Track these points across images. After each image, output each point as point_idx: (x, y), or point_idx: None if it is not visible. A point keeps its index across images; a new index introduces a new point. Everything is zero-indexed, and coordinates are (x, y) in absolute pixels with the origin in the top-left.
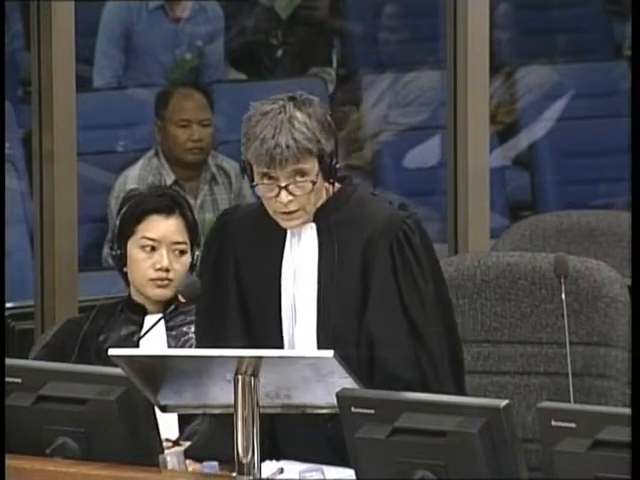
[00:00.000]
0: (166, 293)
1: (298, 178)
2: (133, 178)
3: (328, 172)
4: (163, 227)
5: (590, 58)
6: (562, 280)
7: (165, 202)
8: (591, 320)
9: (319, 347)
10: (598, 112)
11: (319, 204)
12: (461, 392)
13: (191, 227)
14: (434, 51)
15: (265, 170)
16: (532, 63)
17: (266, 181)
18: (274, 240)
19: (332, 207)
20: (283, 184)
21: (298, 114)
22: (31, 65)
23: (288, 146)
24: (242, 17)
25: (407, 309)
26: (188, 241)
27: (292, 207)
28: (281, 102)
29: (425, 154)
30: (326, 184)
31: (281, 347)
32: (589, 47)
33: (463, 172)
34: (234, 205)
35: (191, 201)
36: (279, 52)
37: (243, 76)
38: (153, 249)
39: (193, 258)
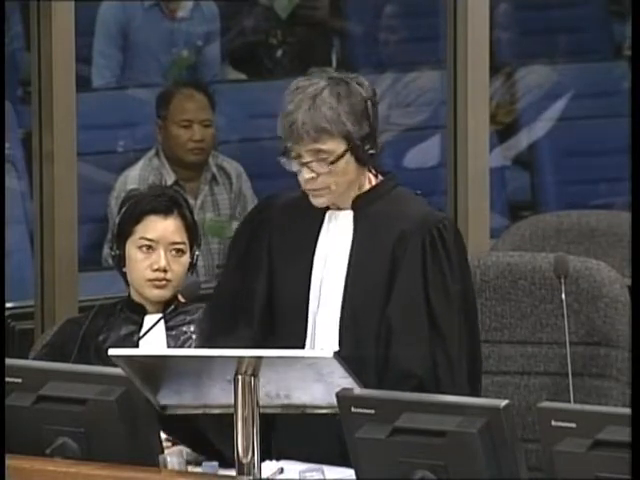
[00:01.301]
0: (164, 294)
1: (320, 157)
2: (133, 178)
3: (359, 157)
4: (161, 227)
5: (590, 58)
6: (562, 280)
7: (163, 202)
8: (591, 320)
9: (340, 333)
10: (598, 112)
11: (360, 192)
12: (475, 394)
13: (190, 227)
14: (434, 51)
15: (289, 145)
16: (532, 63)
17: (293, 155)
18: (311, 224)
19: (372, 197)
20: (304, 161)
21: (325, 93)
22: (31, 65)
23: (304, 123)
24: (242, 17)
25: (430, 304)
26: (187, 241)
27: (314, 185)
28: (317, 79)
29: (425, 154)
30: (370, 175)
31: (304, 328)
32: (589, 47)
33: (463, 172)
34: (277, 192)
35: (191, 201)
36: (279, 52)
37: (243, 76)
38: (151, 249)
39: (193, 258)
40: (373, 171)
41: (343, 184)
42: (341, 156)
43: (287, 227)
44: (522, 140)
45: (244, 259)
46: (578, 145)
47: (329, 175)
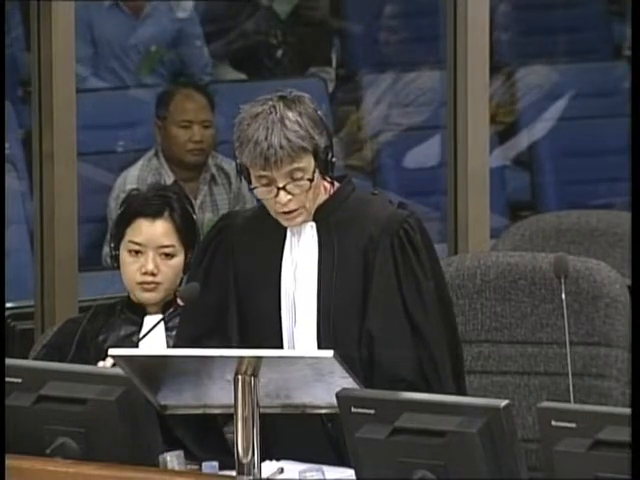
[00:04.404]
0: (155, 296)
1: (295, 177)
2: (132, 178)
3: (324, 167)
4: (149, 231)
5: (590, 58)
6: (562, 280)
7: (153, 205)
8: (591, 320)
9: (319, 347)
10: (598, 112)
11: (319, 202)
12: (461, 391)
13: (181, 229)
14: (434, 51)
15: (261, 172)
16: (532, 63)
17: (263, 182)
18: (274, 240)
19: (332, 206)
20: (280, 185)
21: (289, 113)
22: (31, 65)
23: (282, 146)
24: (242, 17)
25: (408, 308)
26: (178, 243)
27: (292, 206)
28: (271, 102)
29: (425, 154)
30: (325, 183)
31: (280, 347)
32: (589, 47)
33: (463, 172)
34: (232, 211)
35: None
36: (279, 52)
37: (243, 76)
38: (139, 252)
39: (187, 259)
40: (327, 178)
41: (314, 199)
42: (314, 171)
43: (249, 246)
44: (522, 140)
45: (209, 281)
46: (578, 145)
47: (304, 193)
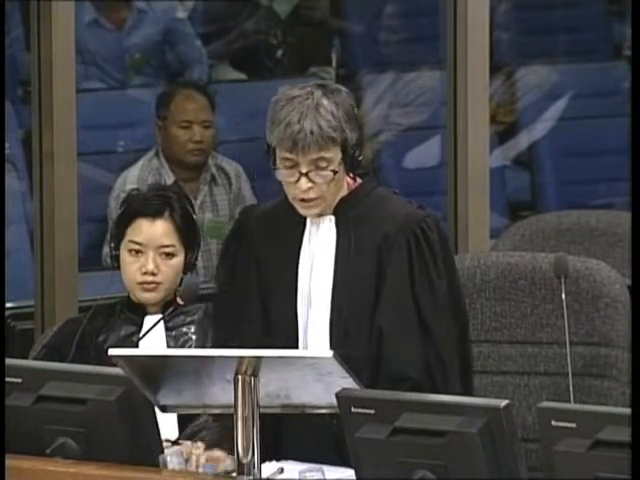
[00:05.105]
0: (155, 296)
1: (319, 165)
2: (132, 178)
3: (351, 163)
4: (149, 231)
5: (590, 58)
6: (562, 280)
7: (153, 204)
8: (591, 320)
9: (331, 339)
10: (598, 112)
11: (340, 197)
12: (468, 392)
13: (181, 229)
14: (434, 51)
15: (287, 155)
16: (532, 63)
17: (287, 165)
18: (293, 232)
19: (353, 201)
20: (304, 170)
21: (325, 101)
22: (31, 65)
23: (312, 132)
24: (242, 17)
25: (419, 306)
26: (178, 243)
27: (311, 194)
28: (309, 88)
29: (425, 154)
30: (348, 179)
31: (295, 335)
32: (589, 47)
33: (463, 172)
34: (251, 204)
35: None
36: (279, 52)
37: (243, 76)
38: (140, 252)
39: (189, 259)
40: (350, 174)
41: (335, 192)
42: (339, 164)
43: (270, 238)
44: (522, 140)
45: (235, 277)
46: (578, 145)
47: (326, 184)
